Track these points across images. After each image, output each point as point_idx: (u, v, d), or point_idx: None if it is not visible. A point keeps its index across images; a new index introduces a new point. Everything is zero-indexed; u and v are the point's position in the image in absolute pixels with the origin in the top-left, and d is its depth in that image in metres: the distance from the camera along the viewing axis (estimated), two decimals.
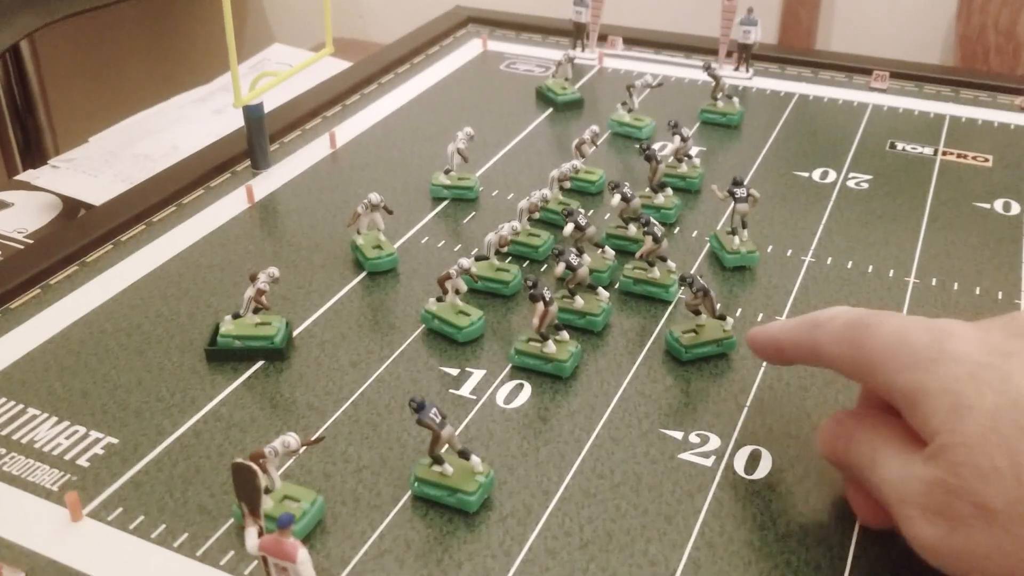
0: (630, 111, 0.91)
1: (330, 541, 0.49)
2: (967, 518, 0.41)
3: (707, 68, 0.93)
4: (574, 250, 0.65)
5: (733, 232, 0.72)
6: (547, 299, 0.59)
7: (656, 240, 0.66)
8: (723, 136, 0.91)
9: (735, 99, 0.94)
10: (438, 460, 0.51)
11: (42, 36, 1.36)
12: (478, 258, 0.68)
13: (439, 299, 0.65)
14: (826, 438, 0.50)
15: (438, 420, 0.50)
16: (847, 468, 0.49)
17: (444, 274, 0.64)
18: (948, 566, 0.42)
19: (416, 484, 0.51)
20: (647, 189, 0.77)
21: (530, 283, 0.59)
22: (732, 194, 0.70)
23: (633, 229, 0.71)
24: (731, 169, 0.84)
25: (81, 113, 1.66)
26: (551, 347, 0.60)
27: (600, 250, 0.70)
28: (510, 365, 0.61)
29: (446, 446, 0.51)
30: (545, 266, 0.71)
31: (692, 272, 0.62)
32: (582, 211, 0.68)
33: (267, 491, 0.49)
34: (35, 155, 1.48)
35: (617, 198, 0.70)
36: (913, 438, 0.44)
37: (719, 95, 0.93)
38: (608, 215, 0.77)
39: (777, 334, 0.54)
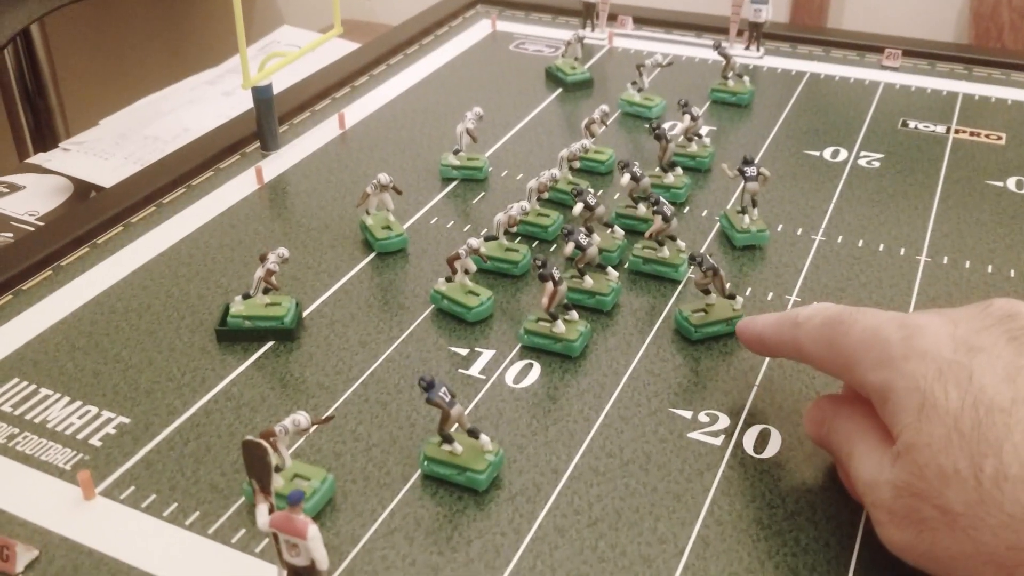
0: (640, 91, 0.90)
1: (340, 519, 0.50)
2: (931, 521, 0.41)
3: (717, 47, 0.92)
4: (583, 230, 0.64)
5: (743, 211, 0.71)
6: (556, 279, 0.59)
7: (666, 219, 0.66)
8: (734, 115, 0.91)
9: (745, 78, 0.94)
10: (447, 439, 0.51)
11: (52, 19, 1.36)
12: (487, 238, 0.68)
13: (448, 279, 0.65)
14: (809, 422, 0.51)
15: (447, 399, 0.50)
16: (830, 452, 0.50)
17: (453, 254, 0.64)
18: (924, 568, 0.43)
19: (426, 463, 0.52)
20: (657, 169, 0.77)
21: (539, 263, 0.59)
22: (742, 173, 0.70)
23: (643, 209, 0.71)
24: (742, 148, 0.83)
25: (91, 96, 1.66)
26: (560, 327, 0.60)
27: (610, 230, 0.70)
28: (519, 345, 0.62)
29: (455, 425, 0.51)
30: (555, 246, 0.71)
31: (702, 251, 0.62)
32: (591, 191, 0.68)
33: (278, 469, 0.49)
34: (46, 138, 1.49)
35: (627, 177, 0.70)
36: (886, 432, 0.44)
37: (730, 74, 0.93)
38: (618, 195, 0.77)
39: (762, 330, 0.54)
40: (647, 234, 0.67)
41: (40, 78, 1.47)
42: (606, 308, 0.64)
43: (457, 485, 0.51)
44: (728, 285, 0.62)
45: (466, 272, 0.64)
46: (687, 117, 0.80)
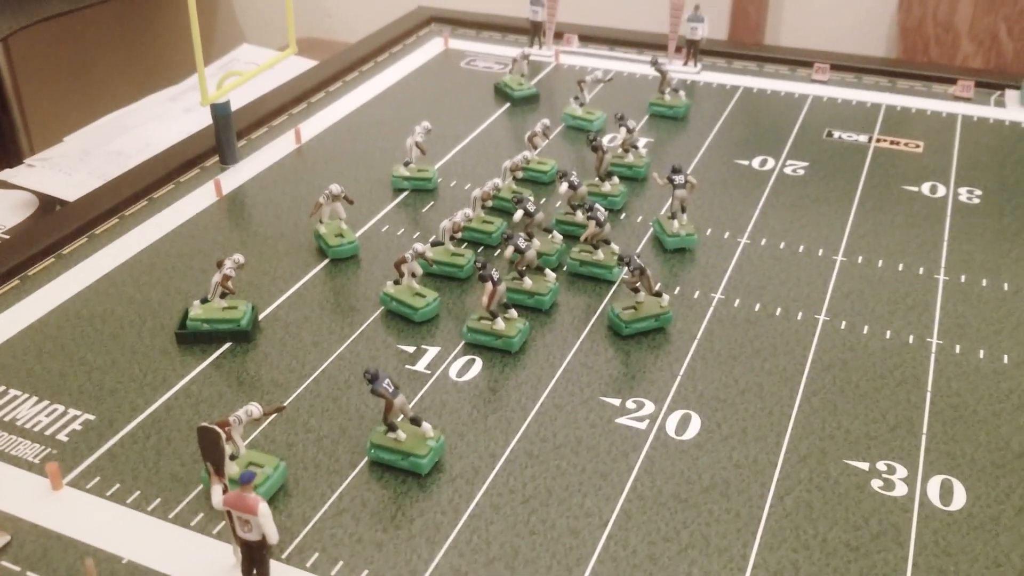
0: (582, 105, 0.95)
1: (292, 503, 0.54)
2: None
3: (654, 63, 0.97)
4: (523, 235, 0.69)
5: (673, 216, 0.76)
6: (495, 279, 0.64)
7: (599, 224, 0.71)
8: (671, 127, 0.96)
9: (681, 92, 0.99)
10: (392, 427, 0.55)
11: (15, 38, 1.39)
12: (434, 244, 0.73)
13: (396, 282, 0.69)
14: None
15: (391, 390, 0.54)
16: None
17: (400, 258, 0.68)
18: None
19: (372, 450, 0.56)
20: (595, 178, 0.82)
21: (479, 264, 0.64)
22: (671, 181, 0.75)
23: (580, 215, 0.76)
24: (676, 158, 0.89)
25: (54, 113, 1.69)
26: (500, 324, 0.65)
27: (550, 235, 0.74)
28: (463, 342, 0.66)
29: (400, 415, 0.55)
30: (499, 251, 0.76)
31: (631, 254, 0.67)
32: (531, 199, 0.72)
33: (233, 458, 0.53)
34: (10, 154, 1.51)
35: (565, 186, 0.75)
36: None
37: (666, 89, 0.98)
38: (559, 203, 0.82)
39: None
40: (582, 238, 0.72)
41: (3, 95, 1.50)
42: (544, 307, 0.69)
43: (401, 470, 0.55)
44: (658, 285, 0.67)
45: (413, 275, 0.68)
46: (623, 129, 0.85)
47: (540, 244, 0.72)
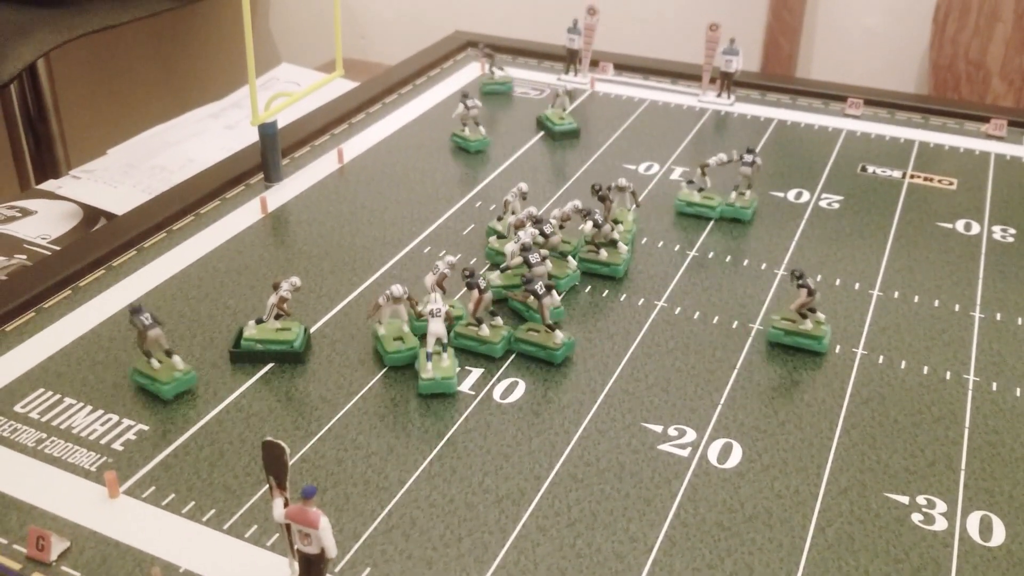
0: (700, 190, 0.87)
1: (344, 518, 0.55)
2: None
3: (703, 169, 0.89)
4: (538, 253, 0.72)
5: (739, 191, 0.85)
6: (481, 287, 0.67)
7: (597, 225, 0.75)
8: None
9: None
10: (147, 355, 0.64)
11: (56, 52, 1.42)
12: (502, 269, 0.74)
13: (379, 322, 0.68)
14: None
15: (148, 323, 0.62)
16: None
17: (373, 304, 0.67)
18: None
19: (133, 373, 0.64)
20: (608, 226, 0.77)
21: (467, 272, 0.67)
22: (742, 159, 0.85)
23: (604, 253, 0.76)
24: (712, 187, 0.90)
25: (92, 126, 1.72)
26: (485, 331, 0.67)
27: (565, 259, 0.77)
28: (506, 364, 0.67)
29: (156, 346, 0.63)
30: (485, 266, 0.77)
31: (802, 269, 0.69)
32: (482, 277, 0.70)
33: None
34: (47, 166, 1.54)
35: (589, 224, 0.76)
36: None
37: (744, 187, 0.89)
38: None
39: None
40: (586, 239, 0.76)
41: (43, 108, 1.53)
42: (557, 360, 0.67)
43: (446, 489, 0.57)
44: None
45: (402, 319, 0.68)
46: (590, 224, 0.77)
47: (553, 267, 0.74)
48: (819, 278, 0.78)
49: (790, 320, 0.69)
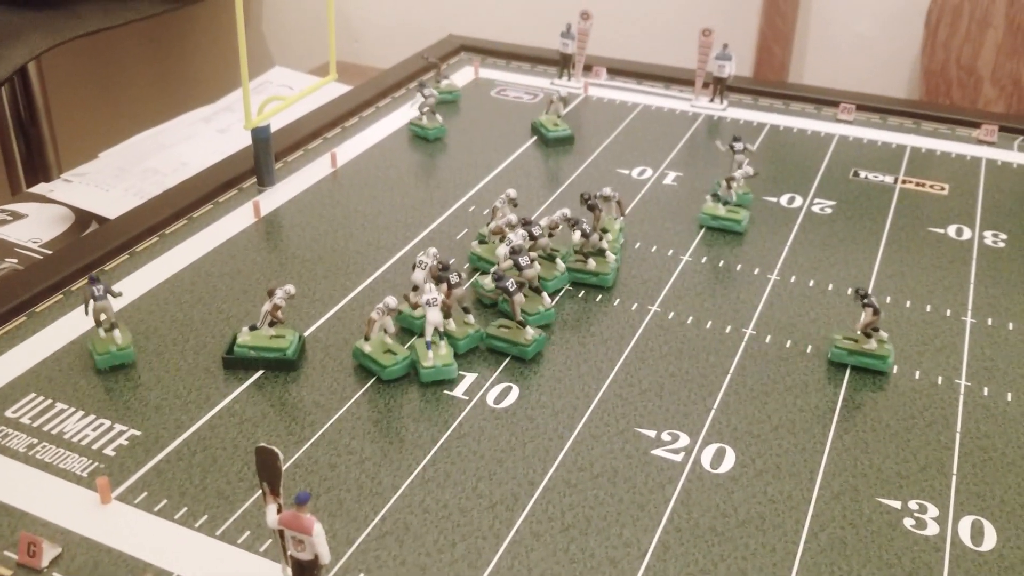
0: (725, 204, 0.85)
1: (337, 524, 0.55)
2: None
3: (730, 146, 0.91)
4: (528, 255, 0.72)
5: (729, 182, 0.86)
6: (451, 281, 0.68)
7: (585, 235, 0.75)
8: (704, 164, 0.98)
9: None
10: (97, 323, 0.66)
11: (48, 55, 1.42)
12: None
13: (366, 337, 0.67)
14: None
15: (98, 294, 0.65)
16: None
17: (368, 318, 0.66)
18: None
19: (94, 353, 0.66)
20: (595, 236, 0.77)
21: (441, 266, 0.68)
22: (732, 148, 0.88)
23: (592, 263, 0.76)
24: (705, 191, 0.90)
25: (84, 129, 1.71)
26: (452, 325, 0.68)
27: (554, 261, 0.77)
28: (500, 368, 0.67)
29: (102, 315, 0.66)
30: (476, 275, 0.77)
31: (866, 289, 0.69)
32: (456, 271, 0.70)
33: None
34: (38, 169, 1.53)
35: (577, 234, 0.76)
36: None
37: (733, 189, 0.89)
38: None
39: None
40: (574, 248, 0.75)
41: (34, 111, 1.52)
42: (530, 352, 0.68)
43: (444, 496, 0.56)
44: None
45: (385, 331, 0.67)
46: (578, 233, 0.76)
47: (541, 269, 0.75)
48: (811, 283, 0.78)
49: (852, 339, 0.68)
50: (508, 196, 0.80)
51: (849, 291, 0.75)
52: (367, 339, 0.66)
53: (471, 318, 0.69)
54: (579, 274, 0.77)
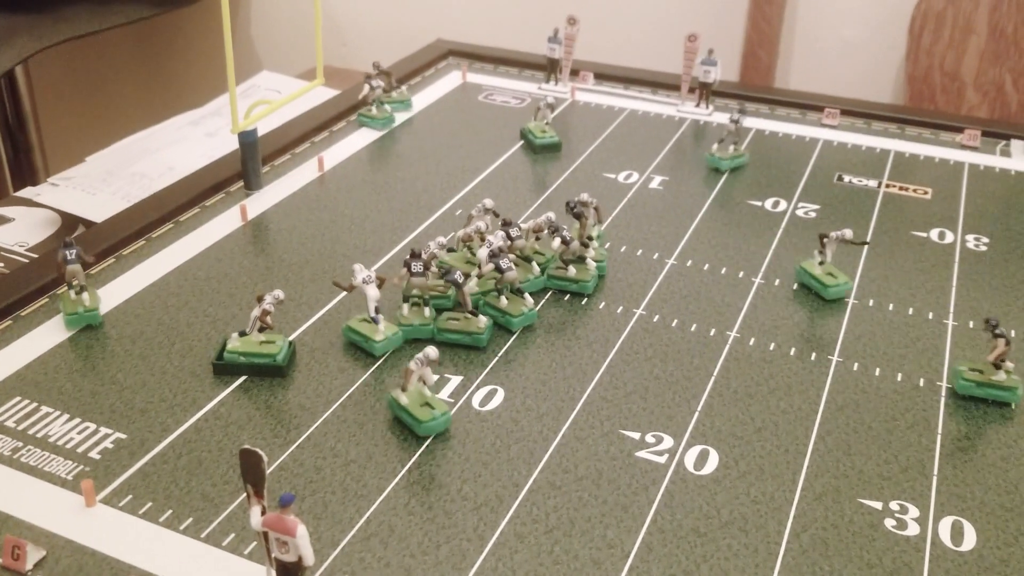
0: (821, 263, 0.78)
1: (322, 526, 0.55)
2: None
3: (734, 120, 0.96)
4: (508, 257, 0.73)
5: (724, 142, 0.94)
6: (412, 269, 0.70)
7: (565, 242, 0.76)
8: (692, 168, 0.98)
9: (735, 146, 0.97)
10: (69, 285, 0.70)
11: (35, 58, 1.42)
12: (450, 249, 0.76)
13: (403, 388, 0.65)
14: None
15: (71, 257, 0.69)
16: None
17: (405, 368, 0.63)
18: None
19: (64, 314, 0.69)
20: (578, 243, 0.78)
21: (412, 252, 0.71)
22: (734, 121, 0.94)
23: (572, 270, 0.77)
24: (691, 198, 0.91)
25: (71, 133, 1.71)
26: (404, 311, 0.71)
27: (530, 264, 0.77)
28: (485, 371, 0.67)
29: (74, 278, 0.70)
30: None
31: (995, 318, 0.67)
32: (459, 272, 0.71)
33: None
34: (25, 173, 1.53)
35: (557, 241, 0.76)
36: None
37: (730, 142, 0.95)
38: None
39: None
40: (555, 255, 0.75)
41: (21, 115, 1.52)
42: (513, 328, 0.71)
43: (428, 497, 0.57)
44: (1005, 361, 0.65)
45: (423, 382, 0.63)
46: (558, 240, 0.76)
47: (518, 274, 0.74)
48: (795, 286, 0.78)
49: (979, 371, 0.66)
50: (485, 206, 0.81)
51: (971, 324, 0.73)
52: (404, 390, 0.62)
53: (427, 312, 0.71)
54: (560, 281, 0.77)
